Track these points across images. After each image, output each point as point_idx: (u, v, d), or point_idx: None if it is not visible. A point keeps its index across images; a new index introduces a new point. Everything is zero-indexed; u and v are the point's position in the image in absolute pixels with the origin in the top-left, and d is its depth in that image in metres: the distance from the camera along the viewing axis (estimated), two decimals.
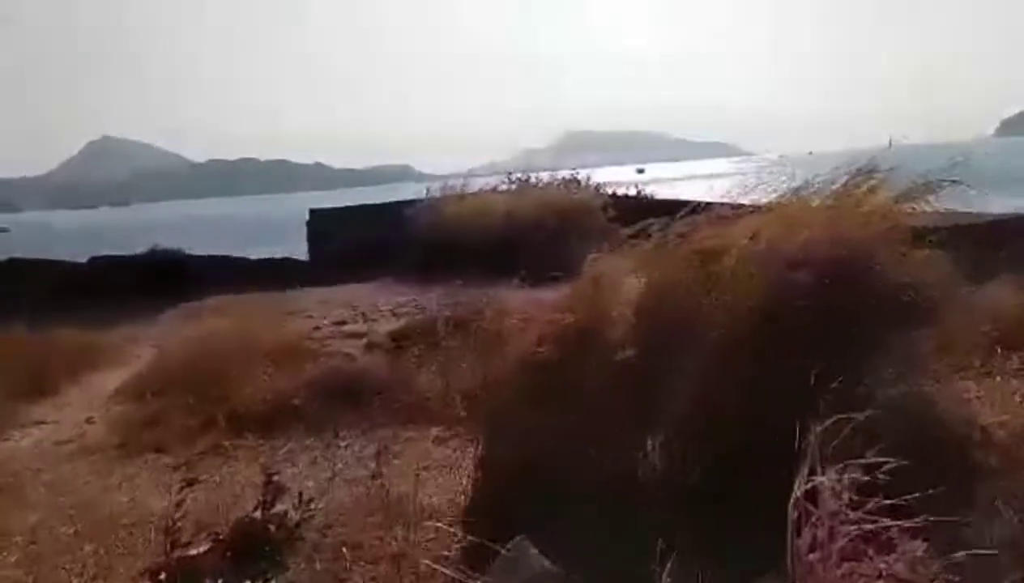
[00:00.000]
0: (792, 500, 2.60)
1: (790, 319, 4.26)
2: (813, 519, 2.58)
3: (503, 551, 3.68)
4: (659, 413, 4.63)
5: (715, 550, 3.64)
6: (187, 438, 7.34)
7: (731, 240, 4.83)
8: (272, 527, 3.72)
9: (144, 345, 12.45)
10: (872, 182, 4.90)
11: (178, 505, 3.61)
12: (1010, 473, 4.12)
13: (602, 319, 4.76)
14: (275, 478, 3.64)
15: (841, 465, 2.69)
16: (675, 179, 55.07)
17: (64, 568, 4.75)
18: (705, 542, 3.66)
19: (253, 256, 22.13)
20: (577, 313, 4.83)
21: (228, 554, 3.64)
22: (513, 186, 21.68)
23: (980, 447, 4.25)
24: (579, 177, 22.46)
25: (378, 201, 23.63)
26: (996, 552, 3.15)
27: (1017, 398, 5.52)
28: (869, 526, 2.60)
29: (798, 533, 2.64)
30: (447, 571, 3.98)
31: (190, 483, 3.74)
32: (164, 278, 18.63)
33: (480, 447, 5.20)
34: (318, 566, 4.29)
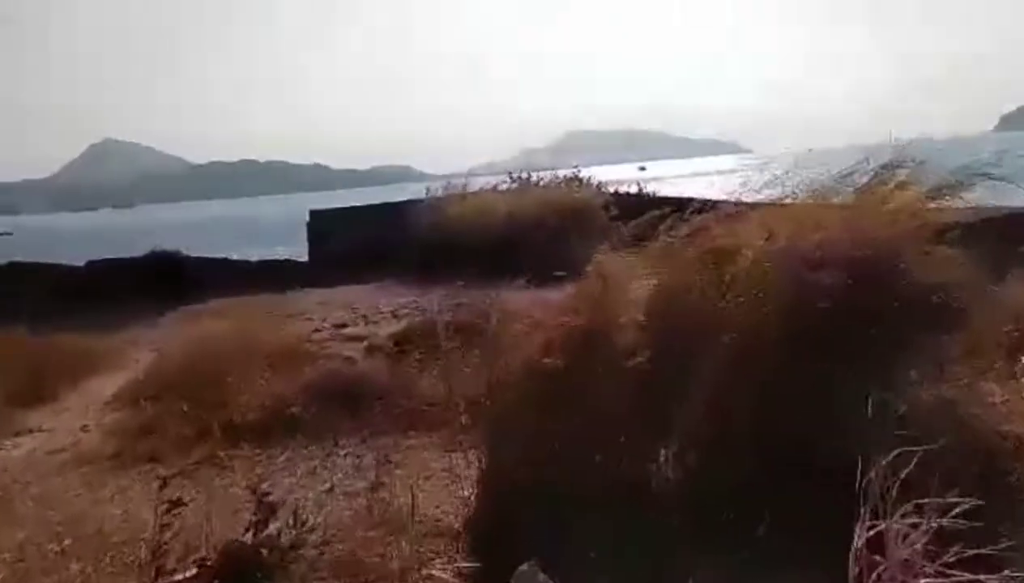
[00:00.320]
0: (853, 551, 2.30)
1: (811, 322, 4.04)
2: (880, 572, 2.26)
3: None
4: (672, 422, 4.41)
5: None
6: (182, 447, 7.11)
7: (745, 239, 4.61)
8: (264, 551, 3.50)
9: (143, 349, 12.25)
10: (899, 178, 4.65)
11: (163, 528, 3.40)
12: None
13: (610, 322, 4.53)
14: (267, 498, 3.41)
15: (908, 504, 2.37)
16: (678, 177, 54.79)
17: None
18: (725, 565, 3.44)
19: (253, 258, 21.97)
20: (583, 316, 4.60)
21: (215, 581, 3.42)
22: (514, 185, 21.50)
23: (1015, 459, 4.02)
24: (580, 175, 22.26)
25: (379, 201, 23.43)
26: None
27: None
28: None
29: None
30: None
31: (176, 504, 3.52)
32: (164, 280, 18.48)
33: (485, 457, 4.96)
34: None
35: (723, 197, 6.21)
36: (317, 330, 12.71)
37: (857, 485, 2.64)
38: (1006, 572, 2.33)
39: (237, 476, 6.41)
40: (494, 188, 21.45)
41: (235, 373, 8.71)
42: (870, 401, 3.57)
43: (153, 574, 3.34)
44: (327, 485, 5.87)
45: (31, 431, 8.53)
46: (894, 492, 2.44)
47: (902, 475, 2.51)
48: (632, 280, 4.72)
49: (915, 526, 2.34)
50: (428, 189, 21.24)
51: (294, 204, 34.60)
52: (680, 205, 5.40)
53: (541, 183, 21.48)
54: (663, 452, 4.46)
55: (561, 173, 22.14)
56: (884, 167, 4.72)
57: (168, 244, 21.40)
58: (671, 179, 44.39)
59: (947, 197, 4.54)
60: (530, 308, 7.28)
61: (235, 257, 21.93)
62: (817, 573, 2.43)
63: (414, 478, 5.77)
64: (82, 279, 19.34)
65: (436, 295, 14.30)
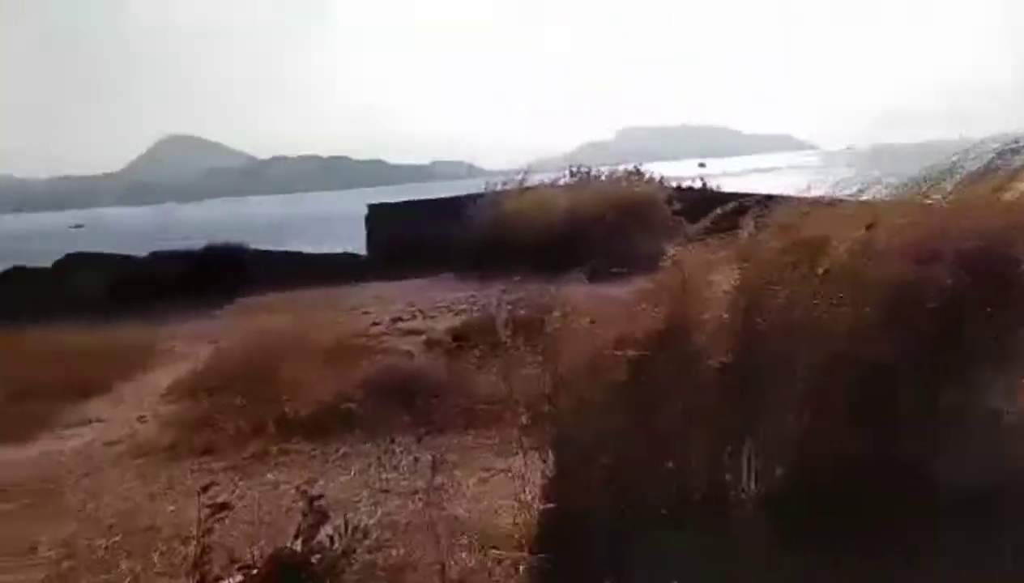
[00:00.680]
0: None
1: (917, 322, 3.64)
2: None
3: None
4: (756, 429, 4.03)
5: None
6: (237, 441, 6.97)
7: (839, 232, 4.21)
8: (314, 558, 3.26)
9: (200, 341, 12.24)
10: (1015, 165, 4.20)
11: (207, 532, 3.18)
12: None
13: (690, 320, 4.17)
14: (317, 502, 3.17)
15: None
16: (741, 173, 53.72)
17: None
18: None
19: (312, 251, 22.04)
20: (660, 312, 4.25)
21: None
22: (574, 180, 21.19)
23: None
24: (642, 170, 21.82)
25: (438, 196, 23.32)
26: None
27: None
28: None
29: None
30: None
31: (221, 507, 3.30)
32: (223, 272, 18.59)
33: (550, 460, 4.63)
34: None
35: (794, 193, 5.85)
36: (374, 324, 12.57)
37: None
38: None
39: (290, 472, 6.23)
40: (553, 183, 21.17)
41: (291, 367, 8.58)
42: (977, 410, 3.18)
43: (197, 581, 3.12)
44: (382, 485, 5.63)
45: (89, 421, 8.51)
46: None
47: None
48: (712, 275, 4.35)
49: None
50: (487, 184, 21.06)
51: (354, 199, 34.76)
52: (749, 201, 5.03)
53: (602, 177, 21.13)
54: (744, 463, 4.08)
55: (621, 168, 21.71)
56: (1000, 155, 4.27)
57: (230, 237, 21.59)
58: (735, 175, 43.47)
59: None
60: (592, 304, 6.96)
61: (294, 250, 22.00)
62: None
63: (473, 479, 5.51)
64: (146, 270, 19.57)
65: (494, 290, 14.07)
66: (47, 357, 10.47)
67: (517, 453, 5.99)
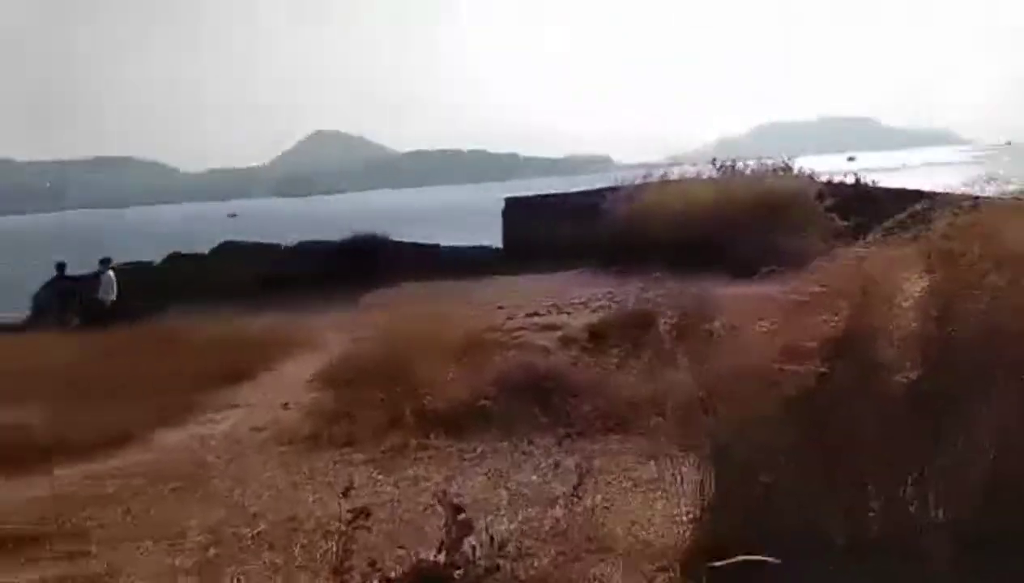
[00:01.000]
0: None
1: None
2: None
3: None
4: (947, 454, 3.55)
5: None
6: (375, 434, 6.94)
7: None
8: (457, 574, 3.04)
9: (340, 331, 12.46)
10: None
11: (348, 538, 3.03)
12: None
13: (873, 328, 3.71)
14: (462, 514, 2.96)
15: None
16: (893, 169, 50.71)
17: (239, 578, 4.33)
18: None
19: (449, 244, 22.21)
20: (837, 319, 3.79)
21: None
22: (718, 174, 20.41)
23: None
24: (790, 164, 20.76)
25: (576, 189, 23.03)
26: None
27: None
28: None
29: None
30: None
31: (363, 513, 3.15)
32: (363, 263, 18.98)
33: (707, 475, 4.23)
34: None
35: (960, 190, 5.26)
36: (509, 318, 12.42)
37: None
38: None
39: (428, 468, 6.12)
40: (696, 176, 20.49)
41: (427, 360, 8.53)
42: None
43: None
44: (521, 488, 5.40)
45: (235, 406, 8.74)
46: None
47: None
48: (899, 280, 3.86)
49: None
50: (625, 177, 20.62)
51: (492, 192, 35.00)
52: (906, 197, 4.49)
53: (747, 171, 20.25)
54: (931, 490, 3.61)
55: (769, 161, 20.69)
56: None
57: (371, 229, 22.06)
58: (887, 170, 41.04)
59: None
60: (748, 305, 6.51)
61: (431, 243, 22.25)
62: None
63: (618, 488, 5.20)
64: (291, 259, 20.29)
65: (633, 286, 13.66)
66: (200, 343, 10.90)
67: (665, 462, 5.65)
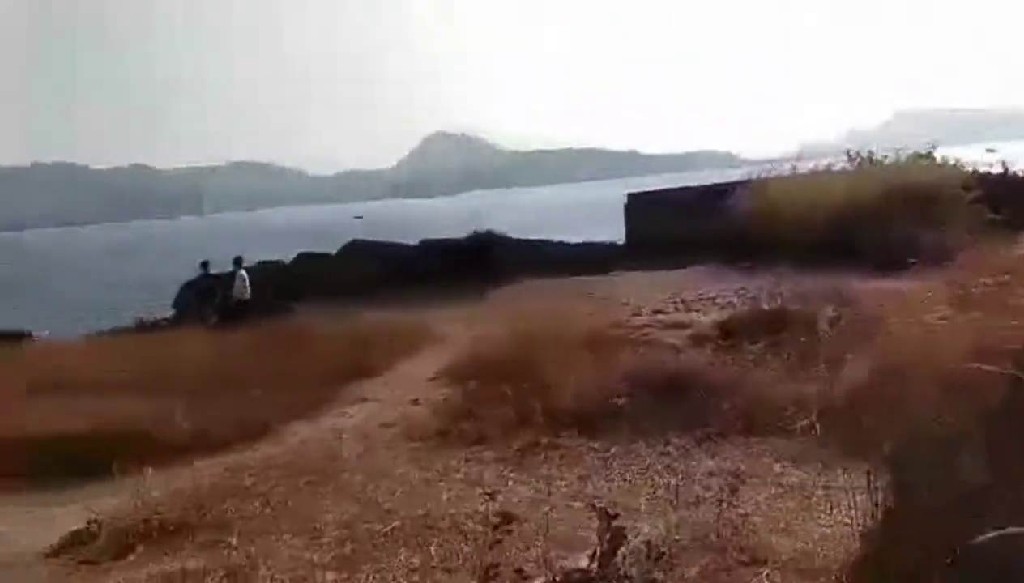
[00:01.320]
0: None
1: None
2: None
3: None
4: None
5: None
6: (506, 431, 6.81)
7: None
8: None
9: (464, 327, 12.50)
10: None
11: (493, 545, 2.90)
12: None
13: None
14: (615, 522, 2.75)
15: None
16: None
17: (375, 576, 4.29)
18: None
19: (571, 240, 22.07)
20: None
21: None
22: (851, 165, 19.44)
23: None
24: (933, 153, 19.52)
25: (700, 183, 22.45)
26: None
27: None
28: None
29: None
30: None
31: (506, 519, 3.00)
32: (484, 261, 19.07)
33: (878, 481, 3.77)
34: None
35: None
36: (635, 315, 12.14)
37: None
38: None
39: (562, 468, 5.94)
40: (827, 168, 19.59)
41: (552, 356, 8.38)
42: None
43: None
44: (661, 491, 5.16)
45: (364, 400, 8.83)
46: None
47: None
48: None
49: None
50: (752, 171, 19.94)
51: (611, 189, 34.65)
52: None
53: (883, 161, 19.20)
54: None
55: (909, 151, 19.54)
56: None
57: (491, 227, 22.18)
58: None
59: None
60: (895, 300, 6.07)
61: (552, 239, 22.16)
62: None
63: (766, 494, 4.87)
64: (416, 256, 20.61)
65: (765, 281, 13.13)
66: (329, 339, 11.13)
67: (808, 466, 5.30)
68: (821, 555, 3.91)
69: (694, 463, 5.52)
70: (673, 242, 17.59)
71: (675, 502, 4.76)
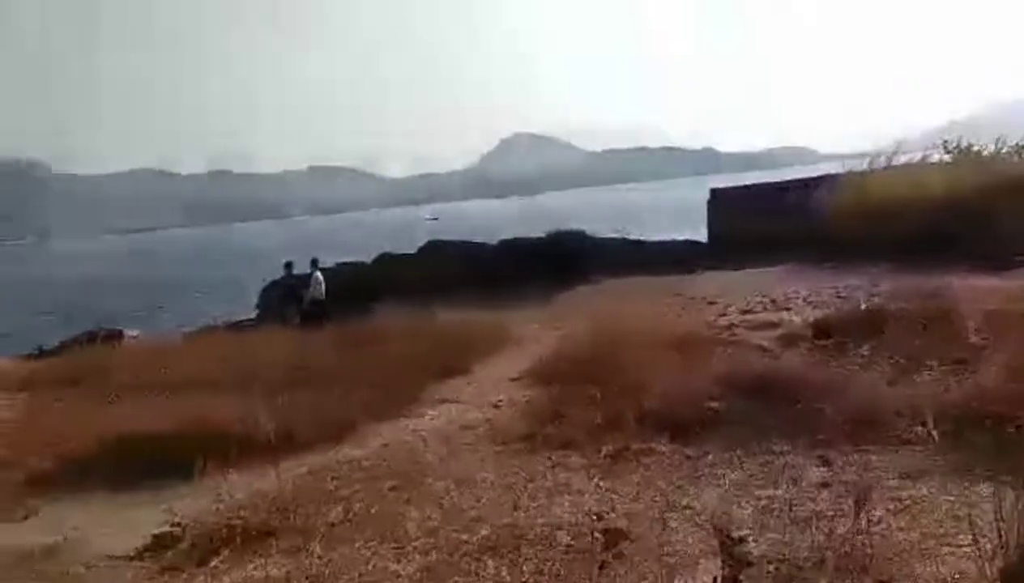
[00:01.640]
0: None
1: None
2: None
3: None
4: None
5: None
6: (593, 436, 6.49)
7: None
8: None
9: (545, 327, 12.28)
10: None
11: (602, 566, 2.65)
12: None
13: None
14: (736, 547, 2.48)
15: None
16: None
17: None
18: None
19: (650, 238, 21.69)
20: None
21: None
22: (948, 157, 18.49)
23: None
24: None
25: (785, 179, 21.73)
26: None
27: None
28: None
29: None
30: None
31: (616, 536, 2.74)
32: (564, 260, 18.86)
33: (1014, 498, 3.37)
34: None
35: None
36: (721, 315, 11.72)
37: None
38: None
39: (656, 476, 5.61)
40: (923, 161, 18.69)
41: (639, 358, 8.05)
42: None
43: None
44: (766, 502, 4.79)
45: (445, 401, 8.66)
46: None
47: None
48: None
49: None
50: (844, 165, 19.16)
51: (687, 187, 34.11)
52: None
53: (985, 153, 18.21)
54: None
55: (1012, 142, 18.47)
56: None
57: (571, 226, 21.97)
58: None
59: None
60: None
61: (632, 238, 21.81)
62: None
63: (883, 509, 4.45)
64: (494, 256, 20.53)
65: (859, 279, 12.54)
66: (410, 339, 11.02)
67: (930, 479, 4.87)
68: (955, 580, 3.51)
69: (800, 473, 5.13)
70: (759, 239, 17.04)
71: (787, 517, 4.38)
